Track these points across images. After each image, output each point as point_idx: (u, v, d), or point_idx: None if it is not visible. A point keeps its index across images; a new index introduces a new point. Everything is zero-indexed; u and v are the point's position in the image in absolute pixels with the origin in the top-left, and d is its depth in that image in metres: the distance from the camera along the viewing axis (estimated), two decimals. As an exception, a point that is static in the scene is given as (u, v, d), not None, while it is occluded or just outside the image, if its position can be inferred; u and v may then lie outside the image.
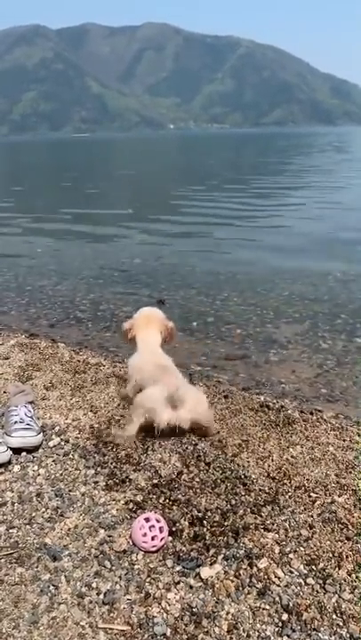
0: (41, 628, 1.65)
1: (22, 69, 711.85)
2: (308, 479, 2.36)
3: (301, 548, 1.96)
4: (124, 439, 2.64)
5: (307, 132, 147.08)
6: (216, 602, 1.74)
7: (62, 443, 2.68)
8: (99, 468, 2.45)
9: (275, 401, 3.28)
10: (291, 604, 1.73)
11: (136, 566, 1.89)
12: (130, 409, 2.80)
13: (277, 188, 16.86)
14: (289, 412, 3.09)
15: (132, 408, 2.74)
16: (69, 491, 2.30)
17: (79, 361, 3.83)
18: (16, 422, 2.64)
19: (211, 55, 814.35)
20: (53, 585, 1.81)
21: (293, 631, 1.64)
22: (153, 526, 1.96)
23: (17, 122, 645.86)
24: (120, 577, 1.84)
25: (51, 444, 2.67)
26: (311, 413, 3.11)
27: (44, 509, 2.19)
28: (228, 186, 18.19)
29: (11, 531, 2.07)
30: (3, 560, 1.91)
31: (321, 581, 1.82)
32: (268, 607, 1.73)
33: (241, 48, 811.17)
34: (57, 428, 2.81)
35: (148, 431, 2.65)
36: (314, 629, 1.65)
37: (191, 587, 1.80)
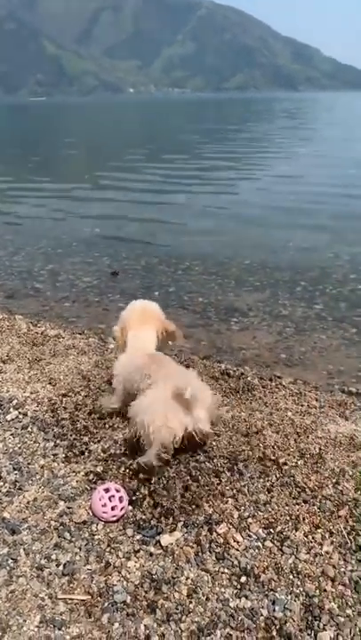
0: (-1, 602, 1.63)
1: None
2: (266, 445, 2.39)
3: (260, 513, 1.99)
4: (147, 471, 2.12)
5: (267, 98, 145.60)
6: (176, 568, 1.76)
7: (20, 416, 2.64)
8: (58, 441, 2.43)
9: (235, 368, 3.30)
10: (249, 567, 1.76)
11: (96, 536, 1.89)
12: (129, 426, 2.28)
13: (230, 157, 16.73)
14: (249, 378, 3.12)
15: (136, 429, 2.18)
16: (28, 464, 2.27)
17: (37, 333, 3.76)
18: (-28, 396, 2.58)
19: (170, 16, 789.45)
20: (12, 558, 1.79)
21: (251, 592, 1.68)
22: (113, 496, 1.96)
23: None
24: (80, 548, 1.84)
25: (8, 417, 2.63)
26: (271, 380, 3.14)
27: (1, 483, 2.16)
28: (183, 155, 17.95)
29: (-32, 506, 2.03)
30: None
31: (278, 544, 1.86)
32: (226, 571, 1.76)
33: (201, 9, 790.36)
34: (15, 402, 2.76)
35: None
36: (271, 590, 1.69)
37: (151, 554, 1.82)
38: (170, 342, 2.74)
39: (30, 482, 2.16)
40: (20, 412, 2.66)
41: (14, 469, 2.23)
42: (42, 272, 5.80)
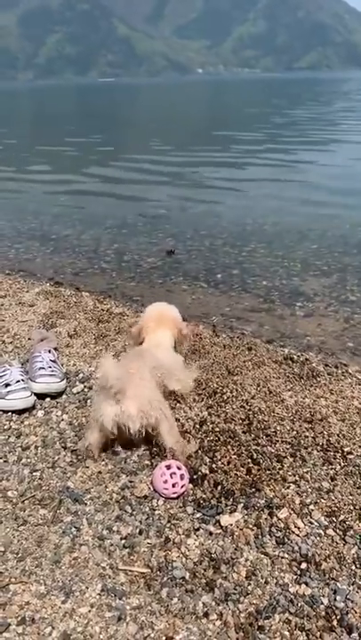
0: (63, 568, 1.69)
1: (47, 10, 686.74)
2: (331, 432, 2.33)
3: (323, 500, 1.95)
4: (84, 452, 2.19)
5: (338, 78, 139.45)
6: (235, 549, 1.76)
7: (85, 390, 2.70)
8: (121, 416, 2.46)
9: (299, 354, 3.23)
10: (310, 554, 1.73)
11: (157, 512, 1.91)
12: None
13: (298, 139, 16.28)
14: (313, 365, 3.04)
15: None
16: (92, 436, 2.31)
17: (103, 310, 3.82)
18: (40, 368, 2.66)
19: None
20: (75, 527, 1.84)
21: (312, 579, 1.65)
22: (174, 473, 1.97)
23: (42, 66, 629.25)
24: (140, 521, 1.87)
25: (74, 390, 2.69)
26: (336, 367, 3.06)
27: (66, 454, 2.22)
28: (249, 137, 17.63)
29: (34, 474, 2.10)
30: (26, 501, 1.95)
31: (341, 533, 1.82)
32: (286, 556, 1.74)
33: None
34: (80, 375, 2.82)
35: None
36: (332, 579, 1.65)
37: (211, 533, 1.82)
38: (183, 344, 2.75)
39: (99, 453, 2.20)
40: (85, 386, 2.72)
41: (79, 441, 2.28)
42: (108, 251, 5.88)
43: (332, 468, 2.11)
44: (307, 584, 1.64)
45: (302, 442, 2.27)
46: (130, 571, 1.68)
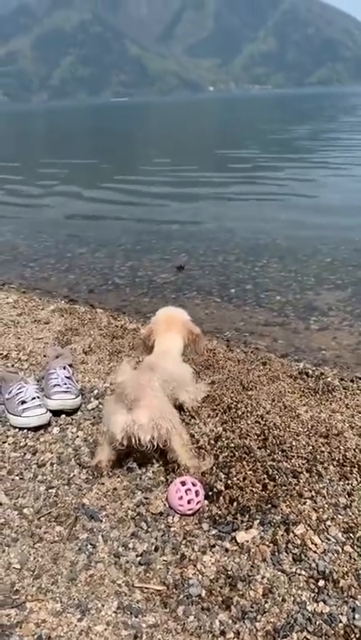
0: (79, 585, 1.68)
1: (61, 33, 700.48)
2: (347, 447, 2.31)
3: (339, 516, 1.93)
4: (93, 469, 2.20)
5: (348, 92, 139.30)
6: (252, 566, 1.74)
7: (100, 406, 2.70)
8: (136, 432, 2.46)
9: (314, 368, 3.22)
10: (327, 571, 1.71)
11: (172, 529, 1.91)
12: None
13: (315, 156, 16.33)
14: (329, 379, 3.02)
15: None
16: (107, 453, 2.32)
17: (117, 326, 3.84)
18: (56, 385, 2.68)
19: (253, 12, 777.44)
20: (91, 544, 1.84)
21: (330, 597, 1.63)
22: (189, 490, 1.97)
23: (56, 87, 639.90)
24: (156, 538, 1.86)
25: (89, 406, 2.71)
26: (352, 381, 3.04)
27: (81, 471, 2.22)
28: (261, 152, 17.75)
29: (50, 491, 2.11)
30: (42, 519, 1.96)
31: (359, 549, 1.79)
32: (304, 573, 1.72)
33: (284, 3, 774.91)
34: (95, 392, 2.84)
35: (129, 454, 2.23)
36: (351, 597, 1.63)
37: (227, 550, 1.81)
38: (195, 349, 2.69)
39: (109, 471, 2.21)
40: (100, 402, 2.73)
41: (94, 457, 2.29)
42: (122, 268, 5.93)
43: (348, 484, 2.09)
44: (325, 602, 1.61)
45: (318, 457, 2.25)
46: (146, 588, 1.67)
